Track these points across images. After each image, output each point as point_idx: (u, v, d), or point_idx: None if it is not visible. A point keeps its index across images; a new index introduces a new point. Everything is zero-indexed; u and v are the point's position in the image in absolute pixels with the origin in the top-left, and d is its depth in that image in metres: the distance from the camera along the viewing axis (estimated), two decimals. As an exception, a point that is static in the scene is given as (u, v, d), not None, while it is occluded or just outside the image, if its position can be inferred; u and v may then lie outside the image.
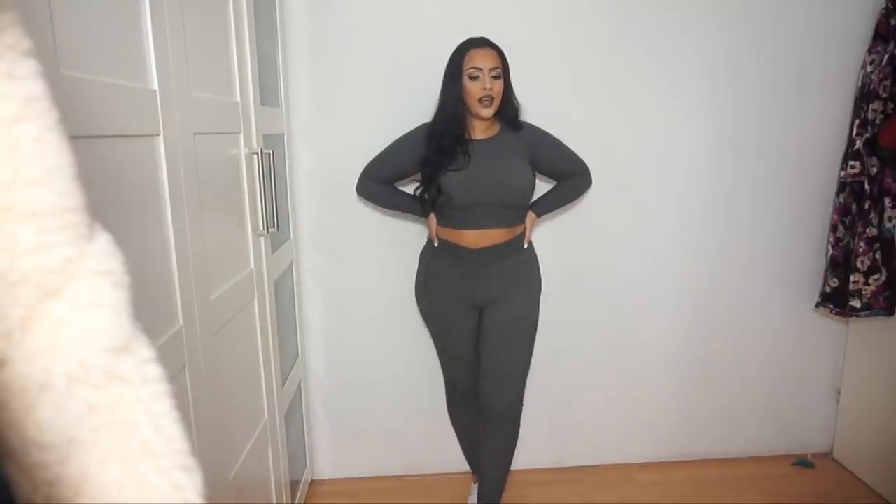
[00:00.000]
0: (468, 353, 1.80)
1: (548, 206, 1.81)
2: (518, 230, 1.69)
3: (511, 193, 1.63)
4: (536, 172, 1.71)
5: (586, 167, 1.81)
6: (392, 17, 1.86)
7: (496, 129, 1.68)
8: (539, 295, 1.76)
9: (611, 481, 2.13)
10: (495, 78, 1.57)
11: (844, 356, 2.20)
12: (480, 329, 1.74)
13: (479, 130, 1.66)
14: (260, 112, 1.50)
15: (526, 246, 1.74)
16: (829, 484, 2.10)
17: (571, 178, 1.81)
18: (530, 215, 1.75)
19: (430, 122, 1.68)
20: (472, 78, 1.57)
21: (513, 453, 1.79)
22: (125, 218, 0.84)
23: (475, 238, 1.65)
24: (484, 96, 1.57)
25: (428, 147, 1.66)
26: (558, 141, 1.76)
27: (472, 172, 1.61)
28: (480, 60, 1.57)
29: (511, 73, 1.63)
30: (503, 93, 1.61)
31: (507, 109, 1.65)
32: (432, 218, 1.73)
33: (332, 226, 1.99)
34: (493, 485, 1.79)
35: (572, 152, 1.78)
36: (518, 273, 1.71)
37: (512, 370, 1.69)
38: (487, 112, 1.59)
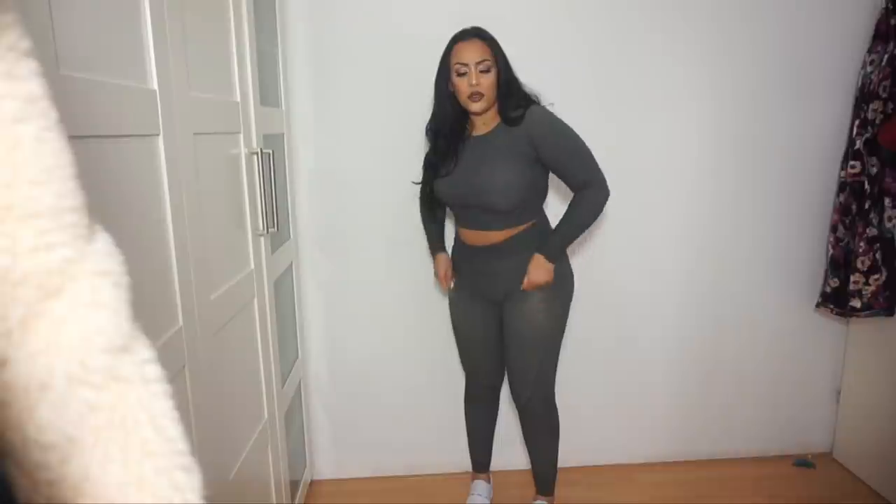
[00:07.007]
0: (476, 346, 1.81)
1: (555, 245, 1.57)
2: (519, 229, 1.59)
3: (489, 199, 1.52)
4: (551, 171, 1.59)
5: (596, 175, 1.54)
6: (392, 17, 1.86)
7: (496, 122, 1.59)
8: (555, 299, 1.63)
9: (611, 481, 2.13)
10: (483, 72, 1.50)
11: (844, 356, 2.19)
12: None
13: (479, 125, 1.61)
14: (260, 112, 1.50)
15: (523, 288, 1.59)
16: (829, 484, 2.10)
17: (577, 195, 1.56)
18: (536, 258, 1.57)
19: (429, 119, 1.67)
20: (460, 74, 1.52)
21: (552, 448, 1.81)
22: (125, 218, 0.84)
23: (473, 237, 1.65)
24: (472, 93, 1.51)
25: (430, 146, 1.68)
26: (565, 136, 1.53)
27: (456, 178, 1.60)
28: (466, 55, 1.50)
29: (513, 73, 1.59)
30: (503, 83, 1.54)
31: (510, 100, 1.55)
32: (438, 258, 1.81)
33: (332, 226, 1.99)
34: (541, 478, 1.86)
35: (580, 154, 1.53)
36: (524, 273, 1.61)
37: (524, 369, 1.68)
38: (477, 107, 1.53)
